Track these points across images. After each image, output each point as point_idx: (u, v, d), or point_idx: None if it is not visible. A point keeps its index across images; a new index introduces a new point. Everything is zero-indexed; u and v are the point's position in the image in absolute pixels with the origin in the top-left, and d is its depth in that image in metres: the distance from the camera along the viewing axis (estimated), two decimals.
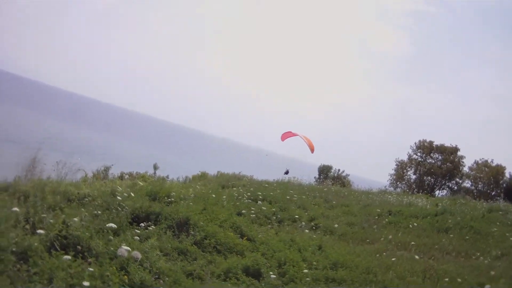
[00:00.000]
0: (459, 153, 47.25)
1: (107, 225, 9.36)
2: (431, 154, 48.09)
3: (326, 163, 47.80)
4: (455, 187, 47.01)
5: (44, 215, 9.44)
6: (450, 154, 47.27)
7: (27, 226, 8.91)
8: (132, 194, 13.27)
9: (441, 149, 47.56)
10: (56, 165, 15.10)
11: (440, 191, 47.45)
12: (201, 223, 11.72)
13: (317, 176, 45.34)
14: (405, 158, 49.39)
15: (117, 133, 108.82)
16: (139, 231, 10.45)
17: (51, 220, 9.19)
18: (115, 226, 9.59)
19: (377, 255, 13.48)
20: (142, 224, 11.10)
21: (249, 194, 19.39)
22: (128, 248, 8.51)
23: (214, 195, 17.01)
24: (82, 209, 11.17)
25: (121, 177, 21.03)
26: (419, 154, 48.63)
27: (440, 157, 47.84)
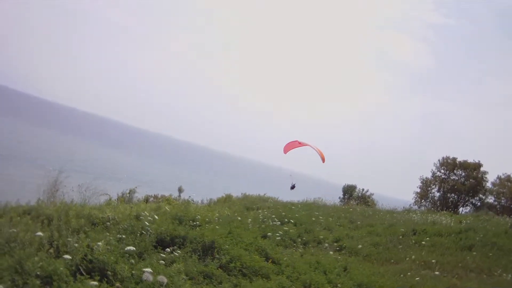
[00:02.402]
0: (482, 169, 46.60)
1: (126, 248, 9.32)
2: (455, 171, 47.56)
3: (347, 180, 47.72)
4: (479, 203, 46.35)
5: (69, 239, 9.41)
6: (473, 170, 46.64)
7: (51, 250, 8.91)
8: (156, 217, 13.25)
9: (464, 165, 46.93)
10: (79, 188, 15.17)
11: (463, 208, 46.87)
12: (227, 246, 11.60)
13: (341, 196, 45.22)
14: (429, 175, 48.96)
15: (150, 156, 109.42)
16: (164, 255, 10.38)
17: (76, 244, 9.16)
18: (134, 248, 9.54)
19: (401, 275, 13.42)
20: (168, 249, 11.04)
21: (274, 216, 19.29)
22: (153, 272, 8.46)
23: (239, 218, 16.96)
24: (107, 233, 11.12)
25: (146, 200, 21.02)
26: (442, 171, 48.10)
27: (463, 174, 47.27)
